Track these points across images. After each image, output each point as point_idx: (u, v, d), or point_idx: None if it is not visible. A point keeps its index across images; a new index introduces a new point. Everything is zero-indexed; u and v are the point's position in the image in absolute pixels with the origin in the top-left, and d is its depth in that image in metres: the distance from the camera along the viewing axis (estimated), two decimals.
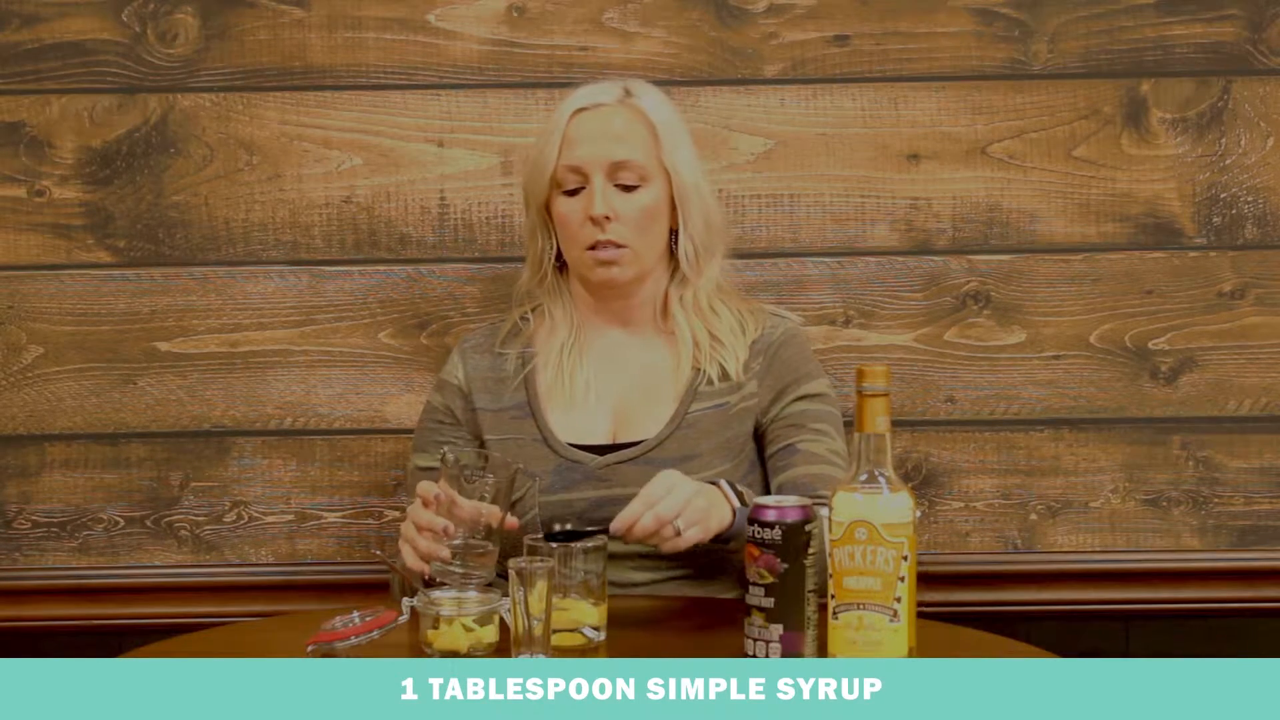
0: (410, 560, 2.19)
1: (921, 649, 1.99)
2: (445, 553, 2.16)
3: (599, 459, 2.41)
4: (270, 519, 2.81)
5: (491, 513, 2.18)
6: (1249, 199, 2.78)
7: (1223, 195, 2.78)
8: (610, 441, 2.43)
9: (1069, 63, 2.77)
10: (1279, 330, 2.80)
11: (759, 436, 2.46)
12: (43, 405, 2.79)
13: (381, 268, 2.79)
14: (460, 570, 2.16)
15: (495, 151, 2.77)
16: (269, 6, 2.76)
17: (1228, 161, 2.78)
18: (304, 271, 2.79)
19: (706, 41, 2.77)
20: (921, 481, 2.80)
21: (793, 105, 2.77)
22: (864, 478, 1.97)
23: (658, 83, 2.69)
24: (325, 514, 2.81)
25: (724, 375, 2.44)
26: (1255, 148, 2.78)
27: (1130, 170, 2.78)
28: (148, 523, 2.81)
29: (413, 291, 2.79)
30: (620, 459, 2.41)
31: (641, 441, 2.42)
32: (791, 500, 2.02)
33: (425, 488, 2.19)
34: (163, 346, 2.79)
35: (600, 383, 2.46)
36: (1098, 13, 2.77)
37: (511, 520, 2.21)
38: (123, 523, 2.81)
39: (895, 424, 2.03)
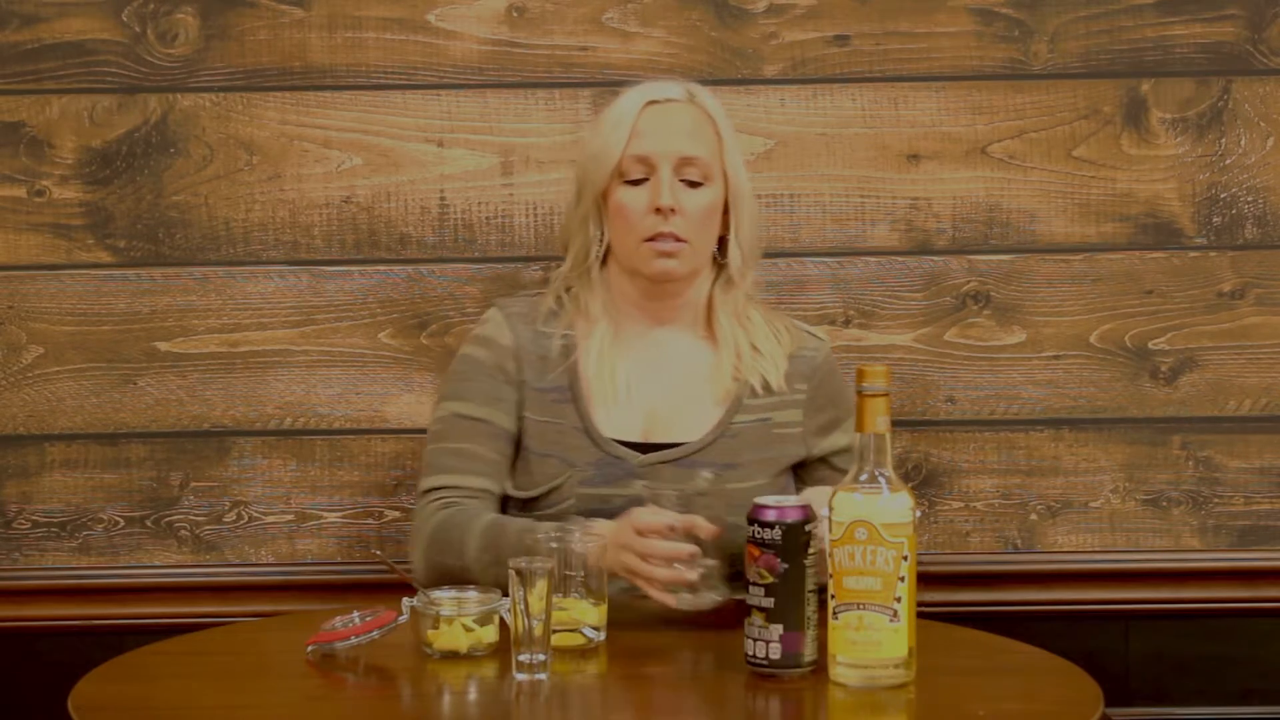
0: (657, 595, 2.18)
1: (921, 649, 2.00)
2: (693, 576, 2.16)
3: (641, 457, 2.41)
4: (270, 519, 2.81)
5: (703, 526, 2.17)
6: (1249, 199, 2.78)
7: (1223, 195, 2.78)
8: (644, 440, 2.43)
9: (1069, 63, 2.77)
10: (1279, 330, 2.80)
11: (799, 468, 2.48)
12: (43, 405, 2.79)
13: (381, 268, 2.79)
14: (701, 597, 2.15)
15: (495, 151, 2.77)
16: (269, 6, 2.76)
17: (1228, 161, 2.78)
18: (304, 271, 2.79)
19: (706, 41, 2.77)
20: (921, 481, 2.80)
21: (793, 105, 2.77)
22: (864, 478, 1.97)
23: None
24: (325, 514, 2.81)
25: (766, 387, 2.44)
26: (1255, 148, 2.78)
27: (1130, 170, 2.78)
28: (148, 523, 2.81)
29: (413, 291, 2.79)
30: (663, 459, 2.41)
31: (682, 444, 2.42)
32: (791, 500, 2.03)
33: (654, 519, 2.19)
34: (163, 346, 2.79)
35: (637, 380, 2.46)
36: (1098, 13, 2.77)
37: (712, 528, 2.18)
38: (123, 523, 2.81)
39: (895, 424, 2.03)
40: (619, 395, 2.44)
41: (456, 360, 2.51)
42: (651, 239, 2.41)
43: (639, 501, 2.33)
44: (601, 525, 2.26)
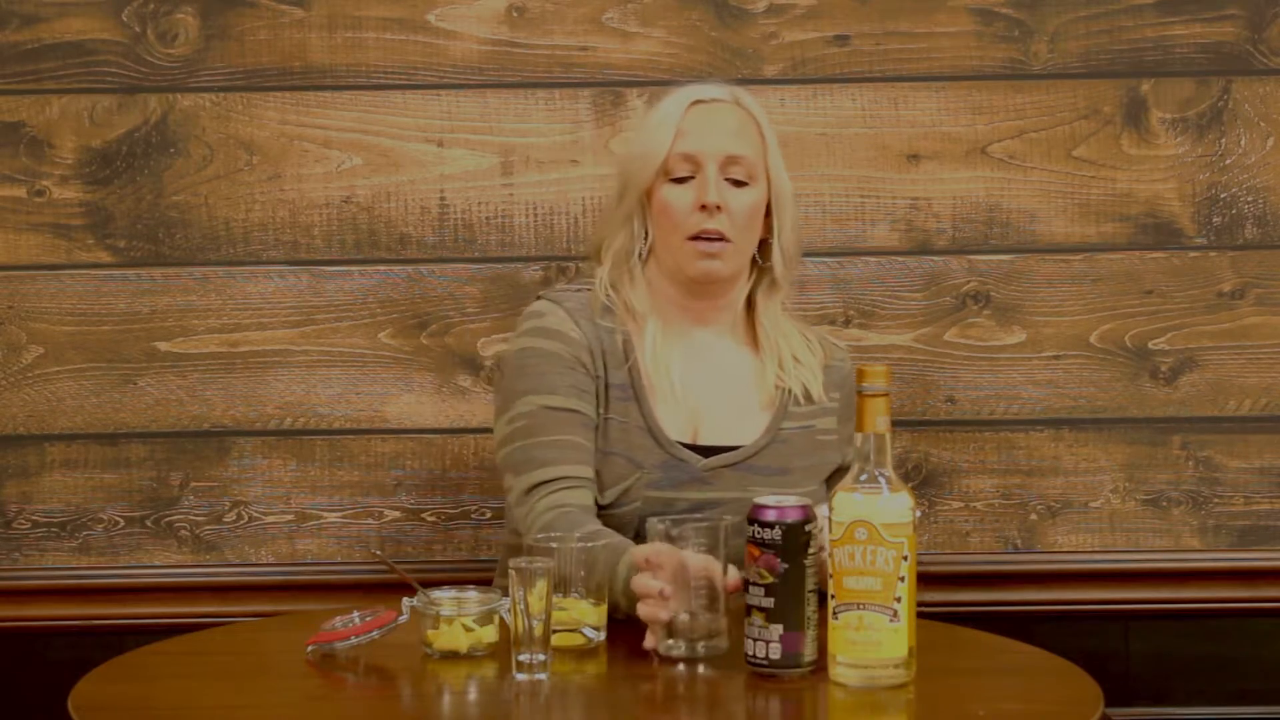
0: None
1: (921, 649, 1.99)
2: (665, 616, 2.05)
3: (704, 460, 2.39)
4: (270, 519, 2.81)
5: (710, 568, 2.06)
6: (1249, 199, 2.78)
7: (1223, 195, 2.78)
8: (692, 441, 2.41)
9: (1069, 63, 2.77)
10: (1279, 330, 2.80)
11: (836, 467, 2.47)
12: (43, 405, 2.79)
13: (381, 268, 2.79)
14: (689, 652, 2.05)
15: (495, 151, 2.77)
16: (269, 6, 2.76)
17: (1228, 161, 2.78)
18: (304, 271, 2.79)
19: (706, 41, 2.77)
20: (921, 481, 2.80)
21: (793, 105, 2.77)
22: (864, 478, 1.97)
23: (657, 83, 2.71)
24: (325, 514, 2.81)
25: (807, 396, 2.44)
26: (1255, 148, 2.78)
27: (1130, 170, 2.78)
28: (148, 523, 2.81)
29: (413, 291, 2.79)
30: (723, 463, 2.39)
31: (739, 447, 2.41)
32: (791, 500, 2.02)
33: (641, 551, 2.10)
34: (163, 346, 2.79)
35: (687, 380, 2.44)
36: (1098, 13, 2.77)
37: (735, 580, 2.08)
38: (123, 523, 2.81)
39: (895, 424, 2.03)
40: (675, 393, 2.42)
41: (520, 355, 2.40)
42: (695, 237, 2.40)
43: (700, 506, 2.33)
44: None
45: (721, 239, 2.39)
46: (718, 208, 2.39)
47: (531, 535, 2.24)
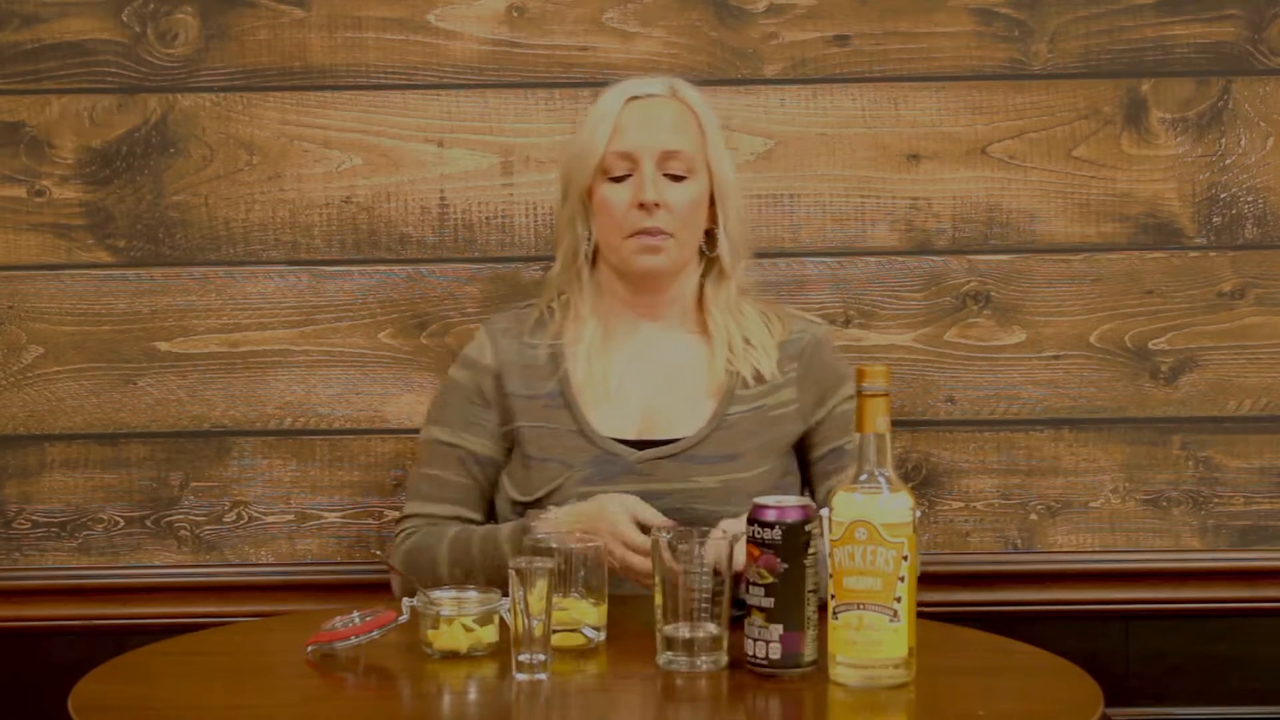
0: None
1: (921, 649, 1.99)
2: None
3: (638, 453, 2.41)
4: (270, 519, 2.81)
5: (722, 558, 2.06)
6: (1249, 199, 2.78)
7: (1223, 195, 2.78)
8: (639, 437, 2.43)
9: (1069, 63, 2.77)
10: (1279, 330, 2.80)
11: (802, 442, 2.47)
12: (43, 405, 2.79)
13: (381, 268, 2.79)
14: (689, 667, 2.05)
15: (495, 151, 2.77)
16: (269, 6, 2.76)
17: (1228, 161, 2.78)
18: (304, 271, 2.79)
19: (706, 41, 2.77)
20: (921, 481, 2.80)
21: (793, 105, 2.77)
22: (864, 478, 1.97)
23: None
24: (325, 514, 2.81)
25: (758, 377, 2.45)
26: (1255, 148, 2.78)
27: (1130, 170, 2.78)
28: (148, 523, 2.81)
29: (413, 291, 2.79)
30: (660, 454, 2.41)
31: (680, 439, 2.42)
32: (791, 500, 2.02)
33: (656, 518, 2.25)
34: (163, 346, 2.79)
35: (630, 377, 2.47)
36: (1098, 13, 2.77)
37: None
38: (123, 523, 2.81)
39: (895, 424, 2.03)
40: (612, 394, 2.45)
41: (443, 383, 2.56)
42: (636, 234, 2.41)
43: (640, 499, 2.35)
44: (558, 512, 2.31)
45: (663, 234, 2.41)
46: (656, 205, 2.41)
47: (397, 564, 2.43)
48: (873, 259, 2.79)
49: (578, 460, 2.41)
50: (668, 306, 2.49)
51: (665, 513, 2.31)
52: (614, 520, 2.25)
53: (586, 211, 2.47)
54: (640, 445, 2.42)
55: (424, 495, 2.50)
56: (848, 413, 2.44)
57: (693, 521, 2.26)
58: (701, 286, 2.50)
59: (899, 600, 1.95)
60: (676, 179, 2.43)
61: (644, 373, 2.47)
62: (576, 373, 2.46)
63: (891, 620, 1.95)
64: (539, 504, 2.41)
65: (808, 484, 2.50)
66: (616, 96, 2.46)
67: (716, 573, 2.04)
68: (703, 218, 2.47)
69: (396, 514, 2.79)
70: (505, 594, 2.07)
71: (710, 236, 2.48)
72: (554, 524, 2.27)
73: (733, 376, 2.45)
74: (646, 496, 2.34)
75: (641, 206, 2.41)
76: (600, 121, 2.45)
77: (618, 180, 2.44)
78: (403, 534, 2.49)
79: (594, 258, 2.50)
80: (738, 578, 2.05)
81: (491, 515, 2.50)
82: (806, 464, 2.49)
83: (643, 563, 2.20)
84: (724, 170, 2.48)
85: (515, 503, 2.45)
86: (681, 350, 2.49)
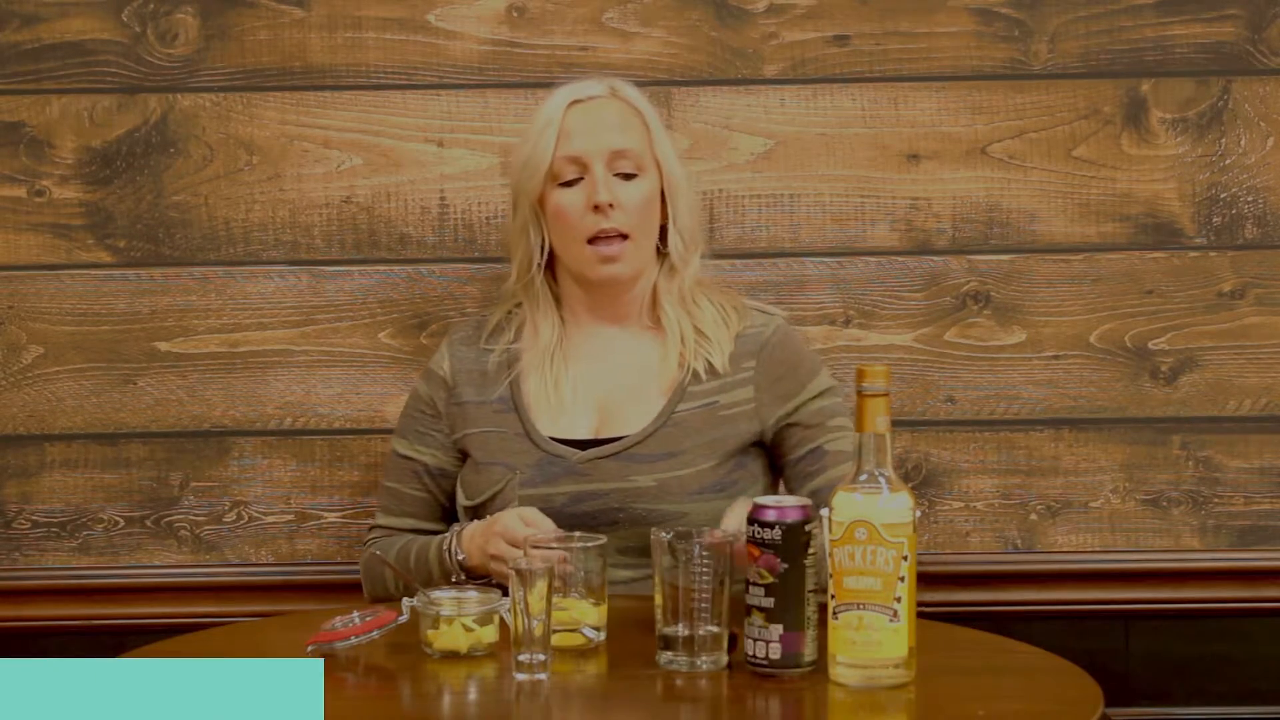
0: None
1: (921, 649, 1.99)
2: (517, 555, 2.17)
3: (580, 454, 2.41)
4: (270, 519, 2.81)
5: (728, 540, 2.06)
6: (1249, 199, 2.78)
7: (1223, 195, 2.78)
8: (593, 436, 2.43)
9: (1069, 63, 2.77)
10: (1279, 330, 2.80)
11: (773, 443, 2.46)
12: (43, 405, 2.79)
13: (381, 268, 2.79)
14: (689, 668, 2.04)
15: (495, 151, 2.77)
16: (269, 6, 2.76)
17: (1228, 161, 2.78)
18: (304, 271, 2.79)
19: (706, 41, 2.77)
20: (921, 481, 2.80)
21: (793, 105, 2.77)
22: (864, 478, 1.97)
23: (657, 83, 2.71)
24: (325, 514, 2.81)
25: (710, 370, 2.44)
26: (1255, 148, 2.78)
27: (1130, 170, 2.78)
28: (148, 523, 2.81)
29: (413, 291, 2.79)
30: (602, 454, 2.41)
31: (624, 437, 2.42)
32: (791, 500, 2.02)
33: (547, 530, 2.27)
34: (163, 346, 2.79)
35: (586, 380, 2.47)
36: (1098, 13, 2.77)
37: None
38: (123, 523, 2.81)
39: (895, 424, 2.03)
40: (564, 398, 2.45)
41: (409, 394, 2.59)
42: (594, 239, 2.42)
43: (580, 499, 2.37)
44: (470, 526, 2.37)
45: (621, 237, 2.41)
46: (610, 205, 2.41)
47: (360, 569, 2.54)
48: (873, 259, 2.79)
49: (521, 463, 2.42)
50: (626, 308, 2.49)
51: (604, 512, 2.35)
52: (505, 523, 2.29)
53: (540, 220, 2.47)
54: (591, 445, 2.42)
55: (384, 508, 2.55)
56: (823, 409, 2.44)
57: (634, 521, 2.34)
58: (656, 282, 2.50)
59: (899, 600, 1.95)
60: (627, 177, 2.44)
61: (600, 373, 2.47)
62: (529, 377, 2.47)
63: (891, 620, 1.95)
64: (484, 508, 2.42)
65: (785, 486, 2.47)
66: (558, 102, 2.47)
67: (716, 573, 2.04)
68: (657, 214, 2.47)
69: None
70: (505, 594, 2.07)
71: (664, 232, 2.48)
72: (466, 538, 2.34)
73: (686, 371, 2.45)
74: (586, 496, 2.36)
75: (596, 208, 2.41)
76: (545, 128, 2.45)
77: (569, 185, 2.44)
78: (366, 545, 2.55)
79: (550, 264, 2.50)
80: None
81: (453, 523, 2.50)
82: (782, 465, 2.47)
83: (511, 551, 2.23)
84: (672, 165, 2.48)
85: (466, 508, 2.46)
86: (637, 348, 2.49)
